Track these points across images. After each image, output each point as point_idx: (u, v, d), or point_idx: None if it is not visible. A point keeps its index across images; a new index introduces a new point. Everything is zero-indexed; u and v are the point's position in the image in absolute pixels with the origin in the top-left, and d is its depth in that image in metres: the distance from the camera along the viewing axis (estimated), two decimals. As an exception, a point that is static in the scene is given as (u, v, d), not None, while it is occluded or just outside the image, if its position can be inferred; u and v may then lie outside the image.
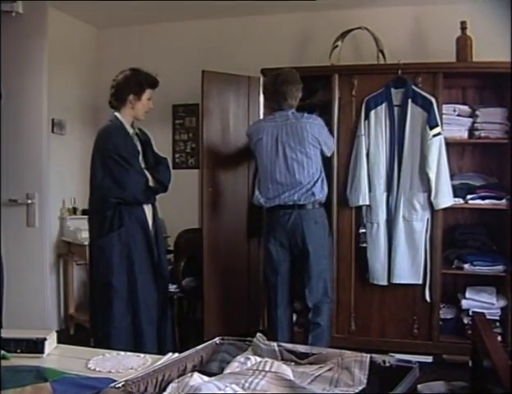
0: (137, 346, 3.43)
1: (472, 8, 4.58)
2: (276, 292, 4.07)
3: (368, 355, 1.69)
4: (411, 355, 4.10)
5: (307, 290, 3.98)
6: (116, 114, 3.74)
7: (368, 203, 4.55)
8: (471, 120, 4.60)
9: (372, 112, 4.53)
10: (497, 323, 4.43)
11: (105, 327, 3.61)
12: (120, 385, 1.50)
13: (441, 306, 4.61)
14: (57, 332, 2.42)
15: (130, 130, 3.76)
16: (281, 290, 4.07)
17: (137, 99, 3.74)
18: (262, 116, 5.08)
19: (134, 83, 3.73)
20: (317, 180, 4.01)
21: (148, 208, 3.77)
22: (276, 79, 4.04)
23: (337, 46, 4.90)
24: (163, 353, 2.27)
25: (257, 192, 4.12)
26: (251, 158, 5.22)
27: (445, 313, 4.64)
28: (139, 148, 3.79)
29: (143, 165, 3.76)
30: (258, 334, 1.90)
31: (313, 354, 1.79)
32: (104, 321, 3.62)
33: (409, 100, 4.46)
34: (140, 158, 3.77)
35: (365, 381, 1.60)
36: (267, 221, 4.18)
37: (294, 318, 5.01)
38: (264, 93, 4.29)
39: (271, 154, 4.01)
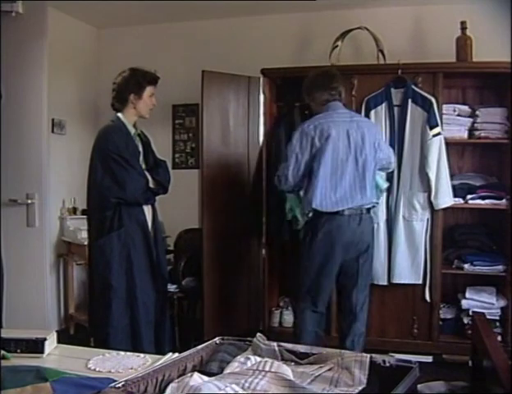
0: (134, 347, 3.43)
1: (472, 8, 4.57)
2: (320, 295, 3.82)
3: (368, 355, 1.68)
4: (411, 354, 4.11)
5: (355, 290, 3.83)
6: (119, 114, 3.73)
7: (368, 202, 4.54)
8: (471, 120, 4.60)
9: (372, 112, 4.54)
10: (497, 323, 4.43)
11: (104, 327, 3.61)
12: (120, 385, 1.48)
13: (441, 306, 4.61)
14: (57, 331, 2.42)
15: (132, 131, 3.75)
16: (326, 293, 3.86)
17: (138, 98, 3.73)
18: (262, 116, 5.09)
19: (134, 82, 3.72)
20: (373, 184, 3.87)
21: (147, 209, 3.77)
22: (326, 72, 3.97)
23: (337, 46, 4.90)
24: (162, 353, 2.27)
25: (314, 196, 3.68)
26: (251, 158, 5.26)
27: (445, 312, 4.64)
28: (141, 149, 3.79)
29: (143, 166, 3.76)
30: (258, 334, 1.90)
31: (313, 354, 1.78)
32: (103, 321, 3.63)
33: (409, 100, 4.46)
34: (141, 158, 3.76)
35: (365, 381, 1.59)
36: (325, 224, 3.70)
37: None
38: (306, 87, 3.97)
39: (342, 153, 3.70)
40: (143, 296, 3.66)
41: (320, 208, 3.67)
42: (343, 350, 1.76)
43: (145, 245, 3.71)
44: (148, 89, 3.76)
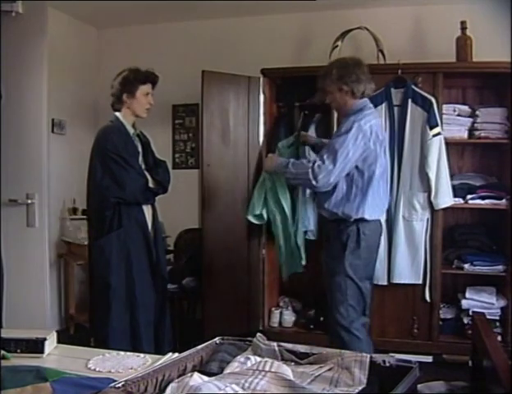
0: (134, 347, 3.42)
1: (472, 8, 4.57)
2: (366, 302, 3.59)
3: (368, 355, 1.68)
4: (411, 354, 4.09)
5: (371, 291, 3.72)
6: (117, 114, 3.73)
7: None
8: (471, 120, 4.60)
9: (373, 112, 4.53)
10: (497, 323, 4.43)
11: (103, 328, 3.61)
12: (120, 385, 1.49)
13: (441, 306, 4.61)
14: (57, 331, 2.41)
15: (131, 131, 3.74)
16: (369, 298, 3.66)
17: (131, 97, 3.70)
18: (262, 116, 5.08)
19: (126, 82, 3.71)
20: None
21: (147, 209, 3.77)
22: (361, 61, 3.56)
23: (337, 46, 4.89)
24: (162, 353, 2.26)
25: (365, 204, 3.43)
26: (251, 158, 5.25)
27: (445, 312, 4.64)
28: (140, 149, 3.78)
29: (143, 166, 3.75)
30: (258, 334, 1.90)
31: (313, 354, 1.78)
32: (102, 321, 3.63)
33: (409, 100, 4.45)
34: (140, 158, 3.76)
35: (365, 381, 1.59)
36: (366, 232, 3.47)
37: (294, 318, 5.03)
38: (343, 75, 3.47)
39: (384, 158, 3.54)
40: (142, 296, 3.66)
41: (369, 217, 3.45)
42: (343, 350, 1.75)
43: (145, 245, 3.71)
44: (142, 88, 3.72)
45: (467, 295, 4.52)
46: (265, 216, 4.46)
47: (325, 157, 3.36)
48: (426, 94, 4.43)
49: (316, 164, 3.36)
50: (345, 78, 3.46)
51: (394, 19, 5.07)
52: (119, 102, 3.73)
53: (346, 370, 1.66)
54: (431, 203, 4.43)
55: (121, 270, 3.61)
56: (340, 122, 3.58)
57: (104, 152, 3.60)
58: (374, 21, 4.91)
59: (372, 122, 3.41)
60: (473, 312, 4.17)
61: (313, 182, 3.38)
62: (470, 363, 3.54)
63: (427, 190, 4.43)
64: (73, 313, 5.44)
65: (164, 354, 2.19)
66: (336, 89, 3.50)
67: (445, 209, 4.48)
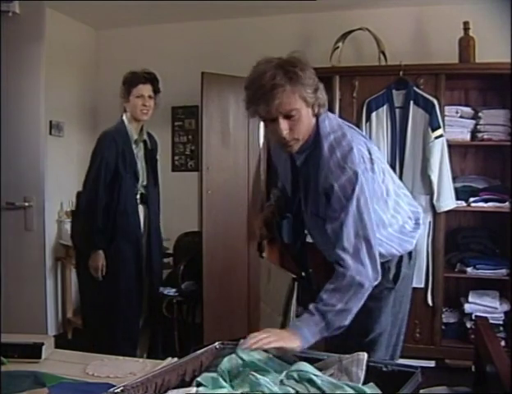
0: (127, 352, 3.42)
1: (475, 9, 4.55)
2: None
3: (365, 354, 1.67)
4: (413, 359, 4.05)
5: None
6: (123, 117, 3.75)
7: (369, 205, 4.48)
8: (473, 122, 4.57)
9: (374, 114, 4.51)
10: (500, 328, 4.40)
11: (96, 332, 3.64)
12: (118, 390, 1.48)
13: (444, 310, 4.59)
14: (55, 336, 2.40)
15: (135, 136, 3.74)
16: None
17: (126, 101, 3.74)
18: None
19: (123, 86, 3.75)
20: None
21: (141, 209, 3.77)
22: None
23: (338, 47, 4.87)
24: (157, 358, 2.25)
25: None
26: (251, 160, 5.22)
27: (448, 317, 4.62)
28: (141, 154, 3.78)
29: (141, 171, 3.74)
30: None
31: (314, 358, 1.77)
32: (94, 326, 3.66)
33: (411, 102, 4.43)
34: (139, 164, 3.75)
35: (362, 377, 1.60)
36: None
37: (295, 322, 4.99)
38: None
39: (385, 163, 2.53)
40: (131, 300, 3.67)
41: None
42: (342, 355, 1.73)
43: (135, 248, 3.71)
44: (135, 91, 3.72)
45: (470, 299, 4.49)
46: None
47: (351, 248, 2.08)
48: (428, 96, 4.41)
49: (354, 270, 2.04)
50: (315, 83, 2.23)
51: (395, 20, 5.05)
52: (122, 106, 3.75)
53: (345, 372, 1.65)
54: (433, 206, 4.41)
55: (111, 274, 3.62)
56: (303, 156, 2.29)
57: (98, 157, 3.63)
58: (375, 22, 4.88)
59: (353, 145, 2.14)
60: (476, 316, 4.16)
61: (369, 287, 2.08)
62: (473, 368, 3.53)
63: (429, 192, 4.40)
64: (71, 318, 5.41)
65: (164, 358, 2.18)
66: (304, 104, 2.18)
67: (447, 212, 4.46)
